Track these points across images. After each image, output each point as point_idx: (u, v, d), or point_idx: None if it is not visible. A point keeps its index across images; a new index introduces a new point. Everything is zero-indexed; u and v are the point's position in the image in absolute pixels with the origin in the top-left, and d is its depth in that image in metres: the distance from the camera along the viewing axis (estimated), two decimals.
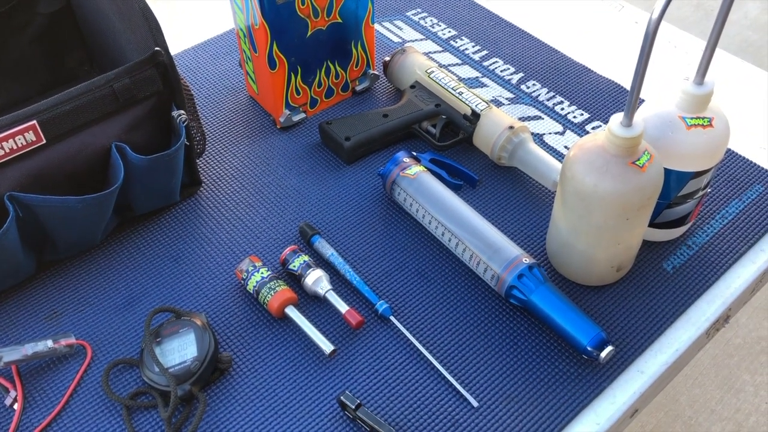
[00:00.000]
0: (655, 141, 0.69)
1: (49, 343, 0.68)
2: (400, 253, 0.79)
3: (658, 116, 0.70)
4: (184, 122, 0.74)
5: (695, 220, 0.81)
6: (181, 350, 0.67)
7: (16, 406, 0.66)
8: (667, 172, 0.69)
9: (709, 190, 0.76)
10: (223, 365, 0.68)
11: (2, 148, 0.65)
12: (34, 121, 0.66)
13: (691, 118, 0.68)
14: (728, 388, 1.57)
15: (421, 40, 1.05)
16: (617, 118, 0.64)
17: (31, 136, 0.66)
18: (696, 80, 0.67)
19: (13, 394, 0.67)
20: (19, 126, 0.66)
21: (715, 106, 0.69)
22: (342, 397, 0.65)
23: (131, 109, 0.72)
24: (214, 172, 0.88)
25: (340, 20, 0.87)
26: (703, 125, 0.68)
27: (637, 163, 0.65)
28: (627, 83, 0.97)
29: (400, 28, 1.08)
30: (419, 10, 1.11)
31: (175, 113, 0.74)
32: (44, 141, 0.68)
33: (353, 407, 0.64)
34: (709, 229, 0.80)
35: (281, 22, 0.82)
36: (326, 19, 0.86)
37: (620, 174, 0.64)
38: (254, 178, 0.87)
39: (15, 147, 0.66)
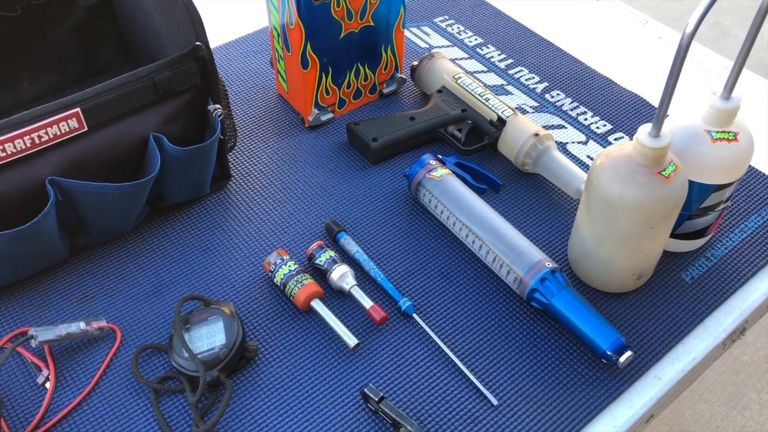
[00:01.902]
0: (679, 153, 0.71)
1: (82, 325, 0.70)
2: (424, 253, 0.80)
3: (683, 129, 0.72)
4: (219, 116, 0.76)
5: (715, 232, 0.82)
6: (209, 337, 0.69)
7: (48, 385, 0.68)
8: (690, 184, 0.70)
9: (729, 203, 0.78)
10: (249, 354, 0.70)
11: (46, 133, 0.67)
12: (78, 109, 0.68)
13: (717, 132, 0.70)
14: (734, 405, 1.57)
15: (448, 46, 1.07)
16: (646, 128, 0.65)
17: (74, 122, 0.68)
18: (723, 95, 0.69)
19: (45, 372, 0.68)
20: (64, 113, 0.68)
21: (741, 121, 0.71)
22: (366, 390, 0.66)
23: (170, 101, 0.74)
24: (243, 167, 0.90)
25: (372, 23, 0.89)
26: (728, 139, 0.70)
27: (663, 173, 0.66)
28: (649, 97, 0.99)
29: (427, 34, 1.10)
30: (446, 17, 1.13)
31: (211, 107, 0.76)
32: (86, 128, 0.70)
33: (376, 400, 0.65)
34: (728, 242, 0.81)
35: (316, 22, 0.84)
36: (359, 21, 0.88)
37: (646, 183, 0.66)
38: (282, 175, 0.89)
39: (58, 133, 0.68)
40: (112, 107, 0.70)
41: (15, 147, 0.66)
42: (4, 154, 0.66)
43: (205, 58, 0.74)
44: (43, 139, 0.67)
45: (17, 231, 0.66)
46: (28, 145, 0.67)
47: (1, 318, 0.73)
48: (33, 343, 0.67)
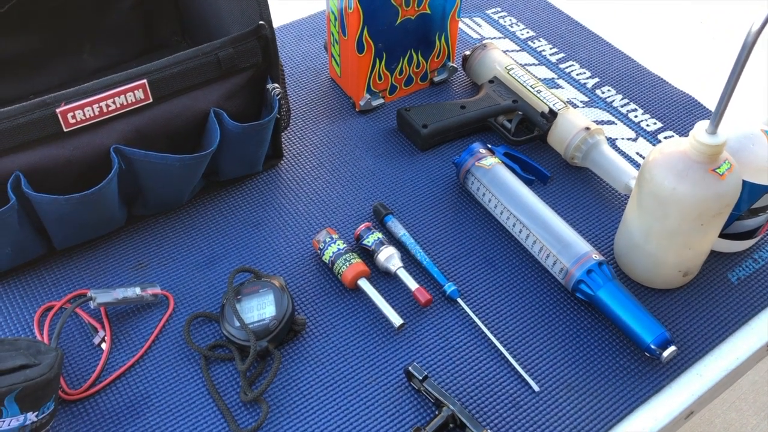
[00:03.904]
0: (734, 152, 0.70)
1: (137, 290, 0.72)
2: (469, 239, 0.81)
3: (739, 128, 0.72)
4: (278, 95, 0.78)
5: (764, 234, 0.82)
6: (259, 309, 0.71)
7: (103, 346, 0.70)
8: (742, 184, 0.70)
9: None
10: (297, 327, 0.71)
11: (114, 102, 0.69)
12: (144, 80, 0.70)
13: None
14: (765, 416, 1.55)
15: (500, 38, 1.08)
16: (703, 124, 0.65)
17: (140, 93, 0.71)
18: None
19: (101, 333, 0.71)
20: (131, 84, 0.70)
21: None
22: (410, 368, 0.67)
23: (231, 78, 0.76)
24: (295, 147, 0.91)
25: (428, 11, 0.90)
26: None
27: (718, 170, 0.66)
28: (701, 97, 0.98)
29: (479, 25, 1.10)
30: (499, 9, 1.13)
31: (270, 86, 0.78)
32: (151, 100, 0.72)
33: (420, 379, 0.67)
34: None
35: (374, 8, 0.85)
36: (416, 8, 0.89)
37: (700, 180, 0.66)
38: (332, 157, 0.90)
39: (125, 103, 0.70)
40: (177, 80, 0.72)
41: (84, 114, 0.68)
42: (74, 121, 0.68)
43: (267, 37, 0.75)
44: (110, 108, 0.70)
45: (83, 195, 0.68)
46: (96, 113, 0.69)
47: (61, 279, 0.76)
48: (92, 305, 0.70)
